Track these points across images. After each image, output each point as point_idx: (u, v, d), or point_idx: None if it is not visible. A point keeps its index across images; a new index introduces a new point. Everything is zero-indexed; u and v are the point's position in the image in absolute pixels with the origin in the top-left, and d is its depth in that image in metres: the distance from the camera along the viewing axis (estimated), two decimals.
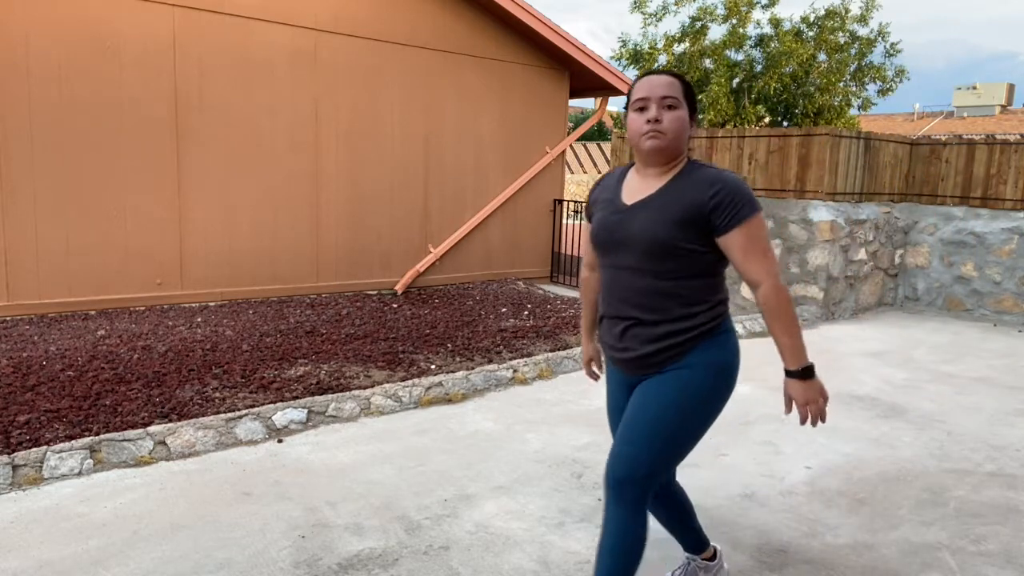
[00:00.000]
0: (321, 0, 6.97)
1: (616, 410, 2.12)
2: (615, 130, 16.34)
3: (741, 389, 4.51)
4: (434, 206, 8.05)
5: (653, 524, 2.12)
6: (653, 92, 1.86)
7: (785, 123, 15.45)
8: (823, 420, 1.85)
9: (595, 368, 2.35)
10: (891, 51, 15.05)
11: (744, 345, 5.64)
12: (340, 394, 3.96)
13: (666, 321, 1.90)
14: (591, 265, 2.21)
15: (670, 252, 1.85)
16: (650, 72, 1.94)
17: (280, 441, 3.48)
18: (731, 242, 1.82)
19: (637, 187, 1.95)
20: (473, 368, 4.72)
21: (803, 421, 1.85)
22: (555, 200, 9.20)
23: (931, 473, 3.36)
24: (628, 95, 1.95)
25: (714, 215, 1.81)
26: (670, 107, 1.86)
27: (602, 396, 4.30)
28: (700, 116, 15.50)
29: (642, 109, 1.88)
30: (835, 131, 6.63)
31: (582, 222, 2.13)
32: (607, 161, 21.45)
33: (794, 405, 1.87)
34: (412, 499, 2.92)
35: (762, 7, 15.07)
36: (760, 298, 1.83)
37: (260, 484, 3.02)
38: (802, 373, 1.83)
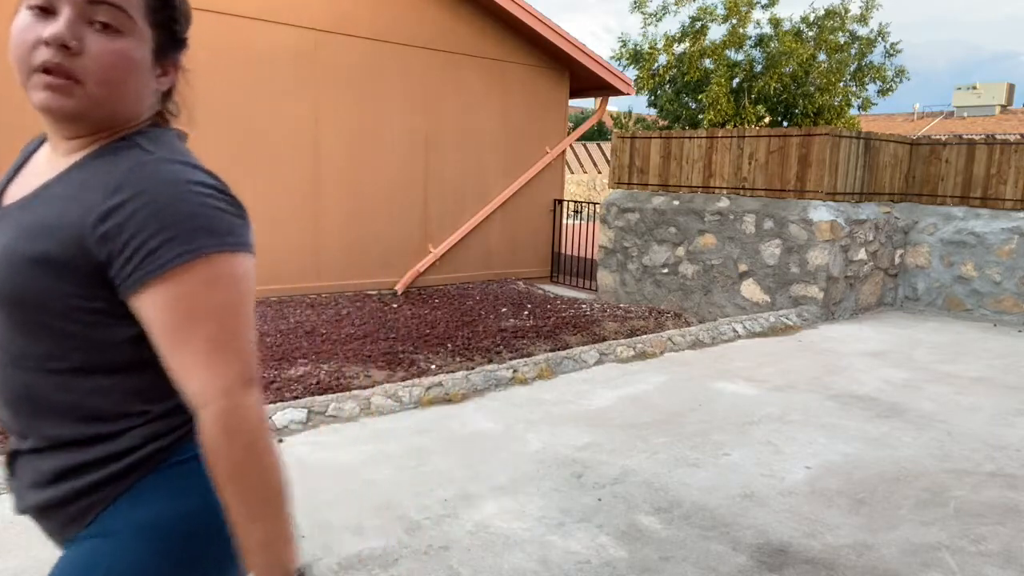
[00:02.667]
0: (321, 0, 6.97)
1: None
2: (615, 130, 16.33)
3: (742, 389, 4.51)
4: (434, 206, 8.05)
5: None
6: None
7: (785, 123, 15.45)
8: None
9: None
10: (891, 51, 15.04)
11: (741, 345, 5.64)
12: (340, 394, 3.96)
13: (56, 449, 0.99)
14: None
15: (36, 322, 0.94)
16: None
17: (280, 441, 3.48)
18: (145, 314, 0.92)
19: (32, 172, 1.04)
20: (473, 368, 4.72)
21: None
22: (555, 200, 9.20)
23: (931, 473, 3.36)
24: None
25: (107, 254, 0.90)
26: (107, 27, 0.93)
27: (603, 396, 4.31)
28: (701, 116, 15.49)
29: (44, 11, 0.92)
30: (835, 131, 6.63)
31: None
32: (607, 161, 21.45)
33: None
34: (412, 499, 2.92)
35: (762, 7, 15.06)
36: (201, 434, 0.93)
37: None
38: None
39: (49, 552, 2.44)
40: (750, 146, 7.06)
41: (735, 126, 14.72)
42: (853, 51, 14.89)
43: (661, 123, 18.45)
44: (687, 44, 15.22)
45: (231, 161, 6.61)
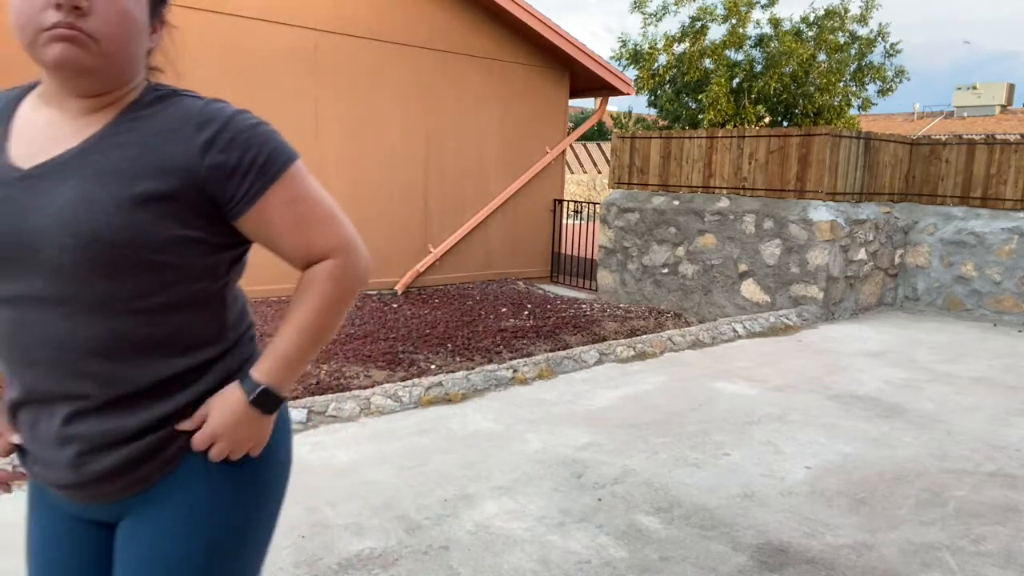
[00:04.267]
0: (321, 0, 6.97)
1: (48, 568, 1.17)
2: (615, 130, 16.33)
3: (742, 389, 4.51)
4: (434, 206, 8.05)
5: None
6: None
7: (785, 123, 15.45)
8: (225, 457, 1.08)
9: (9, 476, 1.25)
10: (891, 51, 15.04)
11: (741, 345, 5.64)
12: (340, 394, 3.96)
13: (135, 399, 1.02)
14: None
15: (131, 260, 0.97)
16: None
17: None
18: (269, 216, 1.05)
19: (45, 133, 1.02)
20: (473, 368, 4.72)
21: (197, 446, 1.06)
22: (555, 200, 9.20)
23: (931, 473, 3.36)
24: None
25: (218, 180, 1.01)
26: None
27: (603, 395, 4.31)
28: (701, 116, 15.50)
29: None
30: (835, 131, 6.63)
31: None
32: (607, 161, 21.44)
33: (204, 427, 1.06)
34: (412, 499, 2.92)
35: (762, 7, 15.05)
36: (321, 273, 1.09)
37: None
38: (263, 398, 1.07)
39: None
40: (750, 146, 7.06)
41: (735, 126, 14.72)
42: (853, 51, 14.88)
43: (661, 123, 18.45)
44: (687, 44, 15.21)
45: None
